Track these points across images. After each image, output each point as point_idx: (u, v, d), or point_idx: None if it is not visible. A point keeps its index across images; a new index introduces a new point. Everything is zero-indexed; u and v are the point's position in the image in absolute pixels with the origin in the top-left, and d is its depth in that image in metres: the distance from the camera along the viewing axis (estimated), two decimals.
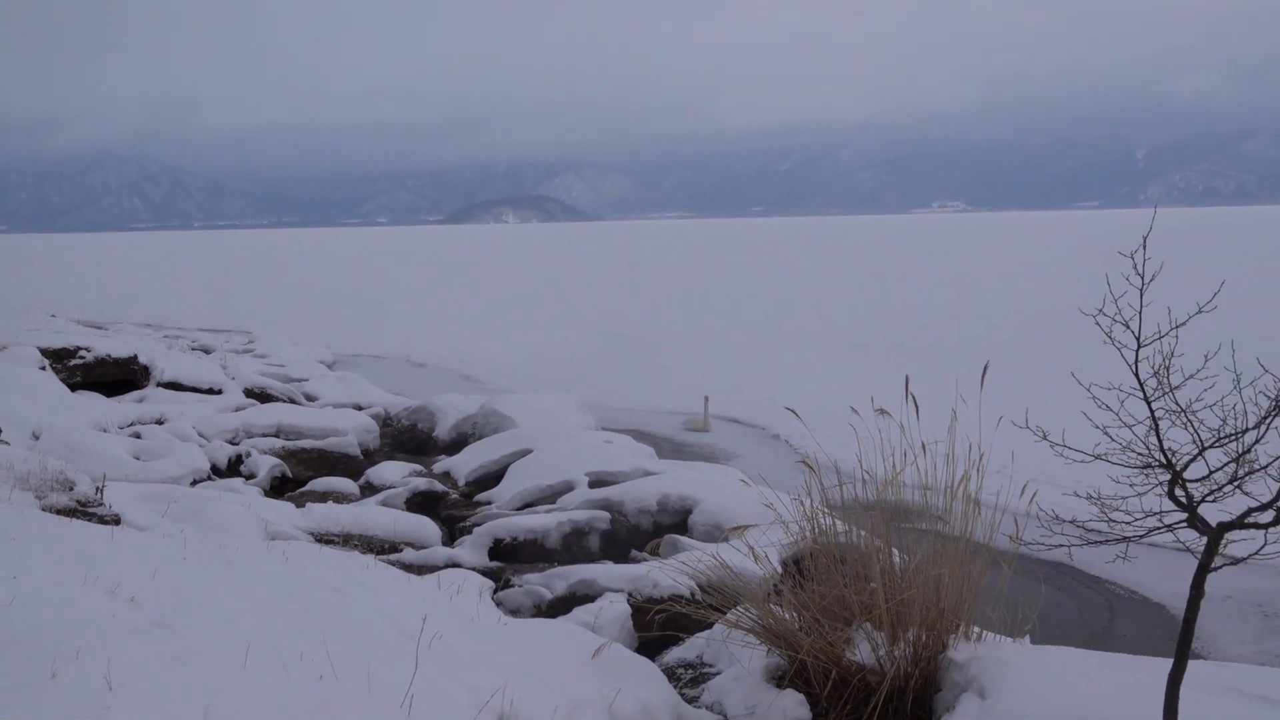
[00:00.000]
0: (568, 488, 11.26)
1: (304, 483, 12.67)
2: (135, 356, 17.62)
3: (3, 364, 15.62)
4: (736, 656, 6.37)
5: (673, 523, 10.18)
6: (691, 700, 6.20)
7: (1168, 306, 4.23)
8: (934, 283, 49.04)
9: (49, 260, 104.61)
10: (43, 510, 6.96)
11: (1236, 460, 4.05)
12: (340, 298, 49.28)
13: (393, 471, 12.61)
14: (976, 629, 5.96)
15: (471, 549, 9.74)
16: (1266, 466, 4.04)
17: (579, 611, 7.50)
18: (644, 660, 6.17)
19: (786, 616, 6.18)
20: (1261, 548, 4.23)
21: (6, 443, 9.64)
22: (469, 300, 46.29)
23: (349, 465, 13.62)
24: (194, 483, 11.82)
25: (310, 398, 18.47)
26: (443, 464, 13.49)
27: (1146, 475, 4.21)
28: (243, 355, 24.49)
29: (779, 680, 6.06)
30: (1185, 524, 4.17)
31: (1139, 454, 4.19)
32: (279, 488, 12.67)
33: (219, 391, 17.53)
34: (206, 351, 25.05)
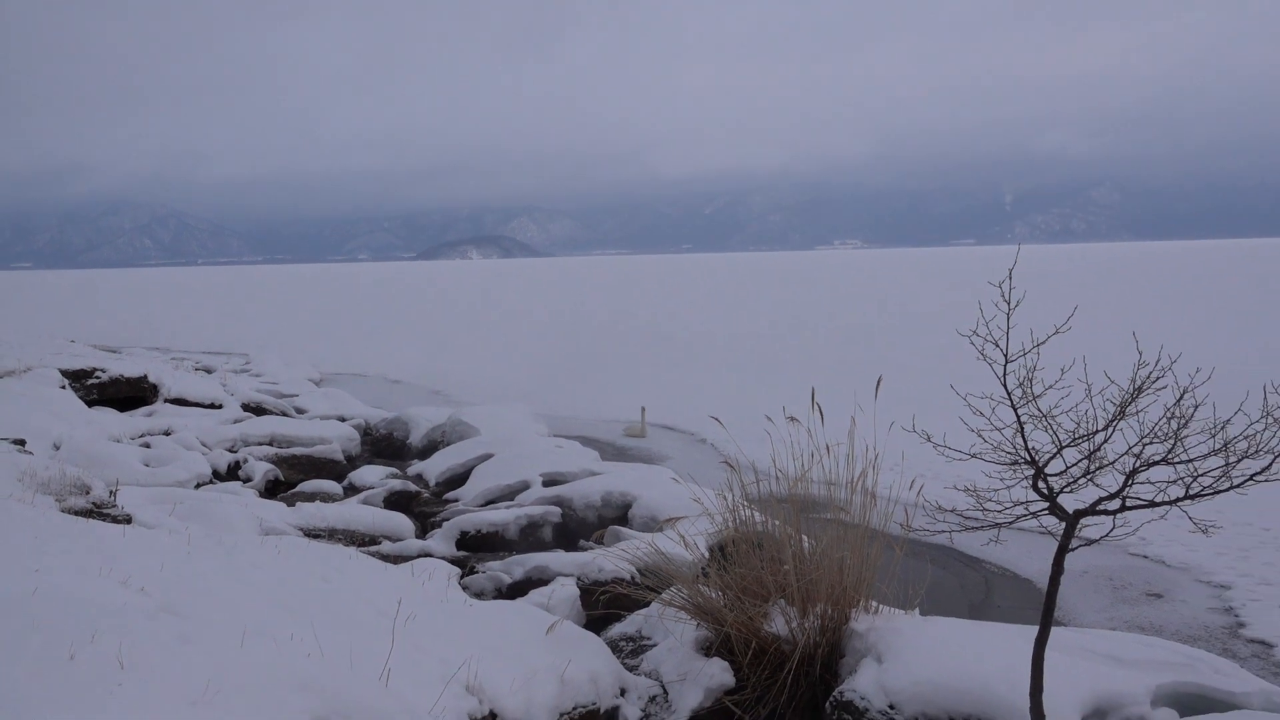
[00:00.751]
0: (524, 486, 11.22)
1: (294, 485, 12.53)
2: (145, 376, 17.37)
3: (27, 383, 15.35)
4: (670, 630, 6.37)
5: (615, 516, 10.16)
6: (632, 669, 6.18)
7: (1030, 328, 4.30)
8: (836, 309, 49.43)
9: (69, 293, 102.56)
10: (62, 511, 6.83)
11: (1089, 457, 4.12)
12: (326, 324, 48.72)
13: (372, 474, 12.51)
14: (874, 603, 5.99)
15: (441, 541, 9.66)
16: (1114, 462, 4.10)
17: (534, 594, 7.46)
18: (591, 635, 6.14)
19: (713, 595, 6.19)
20: (1110, 531, 4.31)
21: (30, 452, 9.43)
22: (439, 326, 45.96)
23: (334, 469, 13.48)
24: (197, 486, 11.65)
25: (300, 410, 18.26)
26: (415, 467, 13.40)
27: (1014, 471, 4.26)
28: (240, 374, 24.12)
29: (707, 650, 6.06)
30: (1047, 511, 4.22)
31: (1007, 453, 4.25)
32: (272, 489, 12.52)
33: (219, 406, 17.29)
34: (208, 371, 24.63)
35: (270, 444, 13.86)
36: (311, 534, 9.13)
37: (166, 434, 14.03)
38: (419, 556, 8.82)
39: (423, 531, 10.30)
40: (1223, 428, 3.96)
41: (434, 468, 12.82)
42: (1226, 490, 3.93)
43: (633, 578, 7.32)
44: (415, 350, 33.39)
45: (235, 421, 15.38)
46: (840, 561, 5.92)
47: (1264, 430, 3.88)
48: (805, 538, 6.21)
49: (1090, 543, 4.37)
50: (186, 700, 3.52)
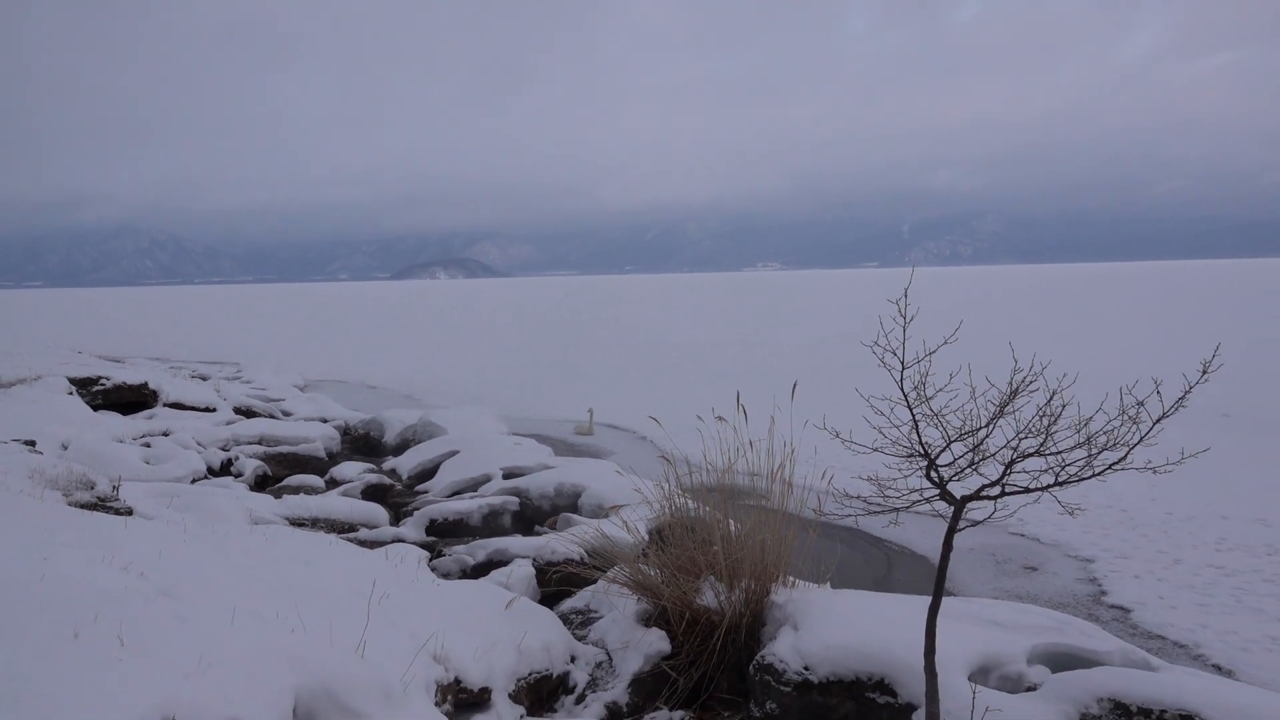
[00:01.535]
0: (486, 479, 11.13)
1: (281, 479, 12.32)
2: (146, 383, 17.03)
3: (38, 390, 14.97)
4: (614, 604, 6.35)
5: (566, 504, 10.12)
6: (581, 638, 6.15)
7: (923, 339, 4.35)
8: (759, 323, 49.73)
9: (77, 309, 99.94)
10: (69, 505, 6.64)
11: (973, 450, 4.17)
12: (310, 337, 47.98)
13: (351, 469, 12.34)
14: (791, 579, 6.02)
15: (412, 528, 9.55)
16: (994, 454, 4.16)
17: (495, 574, 7.40)
18: (545, 609, 6.11)
19: (651, 573, 6.19)
20: (992, 514, 4.37)
21: (40, 452, 9.18)
22: (411, 338, 45.49)
23: (316, 465, 13.28)
24: (193, 481, 11.42)
25: (286, 413, 17.97)
26: (390, 463, 13.24)
27: (910, 462, 4.29)
28: (232, 381, 23.68)
29: (646, 621, 6.05)
30: (938, 497, 4.26)
31: (904, 447, 4.29)
32: (261, 484, 12.30)
33: (213, 410, 16.98)
34: (203, 379, 24.14)
35: (259, 443, 13.62)
36: (296, 523, 8.98)
37: (165, 435, 13.76)
38: (392, 542, 8.71)
39: (396, 520, 10.17)
40: (1086, 424, 4.03)
41: (406, 463, 12.68)
42: (1089, 478, 4.00)
43: (582, 558, 7.29)
44: (390, 360, 33.04)
45: (227, 423, 15.10)
46: (762, 542, 5.95)
47: (1120, 426, 3.96)
48: (732, 522, 6.23)
49: (975, 524, 4.43)
50: (181, 674, 3.45)
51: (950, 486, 4.21)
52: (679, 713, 5.49)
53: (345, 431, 15.79)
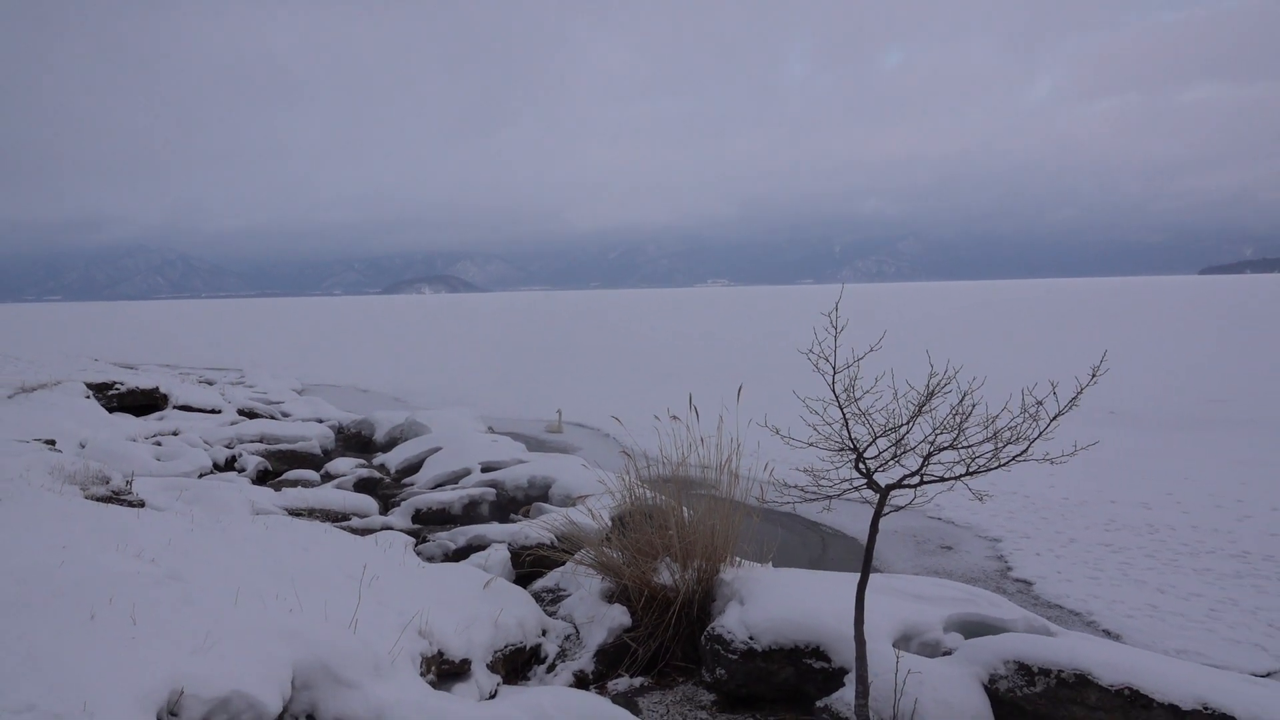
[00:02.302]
0: (466, 472, 11.05)
1: (280, 474, 12.15)
2: (157, 387, 16.74)
3: (58, 394, 14.65)
4: (581, 583, 6.33)
5: (538, 494, 10.07)
6: (551, 614, 6.13)
7: (852, 347, 4.40)
8: (709, 333, 49.90)
9: (94, 321, 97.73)
10: (86, 498, 6.50)
11: (896, 444, 4.21)
12: (307, 346, 47.34)
13: (344, 464, 12.18)
14: (738, 559, 6.04)
15: (399, 516, 9.46)
16: (914, 448, 4.21)
17: (474, 557, 7.35)
18: (519, 589, 6.07)
19: (614, 555, 6.17)
20: (913, 500, 4.42)
21: (59, 451, 8.97)
22: (398, 347, 45.04)
23: (313, 461, 13.09)
24: (200, 476, 11.22)
25: (285, 414, 17.72)
26: (379, 458, 13.09)
27: (841, 455, 4.32)
28: (236, 386, 23.28)
29: (610, 598, 6.04)
30: (866, 486, 4.30)
31: (836, 442, 4.32)
32: (262, 478, 12.11)
33: (219, 411, 16.72)
34: (210, 384, 23.71)
35: (260, 441, 13.41)
36: (294, 513, 8.86)
37: (174, 434, 13.54)
38: (382, 529, 8.62)
39: (385, 509, 10.06)
40: (993, 421, 4.09)
41: (394, 458, 12.54)
42: (996, 468, 4.05)
43: (552, 543, 7.26)
44: (380, 366, 32.69)
45: (231, 424, 14.85)
46: (712, 527, 5.96)
47: (1023, 423, 4.02)
48: (685, 509, 6.24)
49: (898, 509, 4.47)
50: (189, 650, 3.39)
51: (876, 476, 4.25)
52: (639, 679, 5.48)
53: (339, 431, 15.59)
